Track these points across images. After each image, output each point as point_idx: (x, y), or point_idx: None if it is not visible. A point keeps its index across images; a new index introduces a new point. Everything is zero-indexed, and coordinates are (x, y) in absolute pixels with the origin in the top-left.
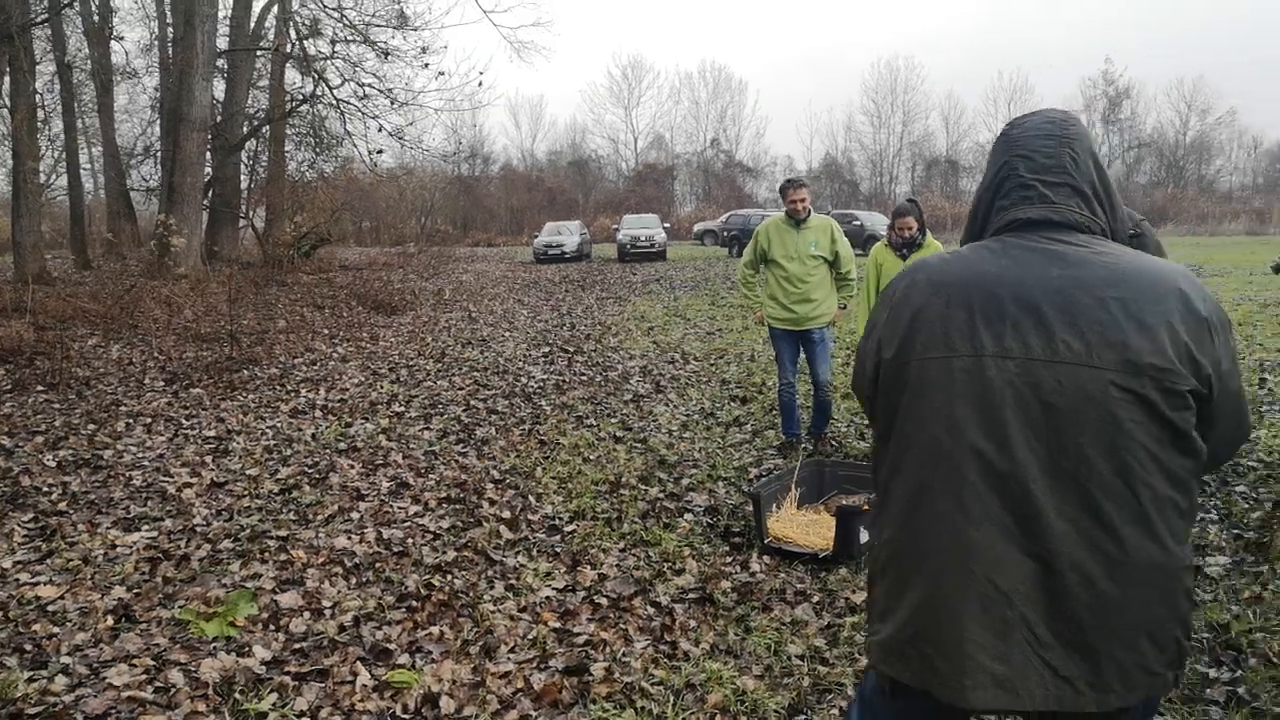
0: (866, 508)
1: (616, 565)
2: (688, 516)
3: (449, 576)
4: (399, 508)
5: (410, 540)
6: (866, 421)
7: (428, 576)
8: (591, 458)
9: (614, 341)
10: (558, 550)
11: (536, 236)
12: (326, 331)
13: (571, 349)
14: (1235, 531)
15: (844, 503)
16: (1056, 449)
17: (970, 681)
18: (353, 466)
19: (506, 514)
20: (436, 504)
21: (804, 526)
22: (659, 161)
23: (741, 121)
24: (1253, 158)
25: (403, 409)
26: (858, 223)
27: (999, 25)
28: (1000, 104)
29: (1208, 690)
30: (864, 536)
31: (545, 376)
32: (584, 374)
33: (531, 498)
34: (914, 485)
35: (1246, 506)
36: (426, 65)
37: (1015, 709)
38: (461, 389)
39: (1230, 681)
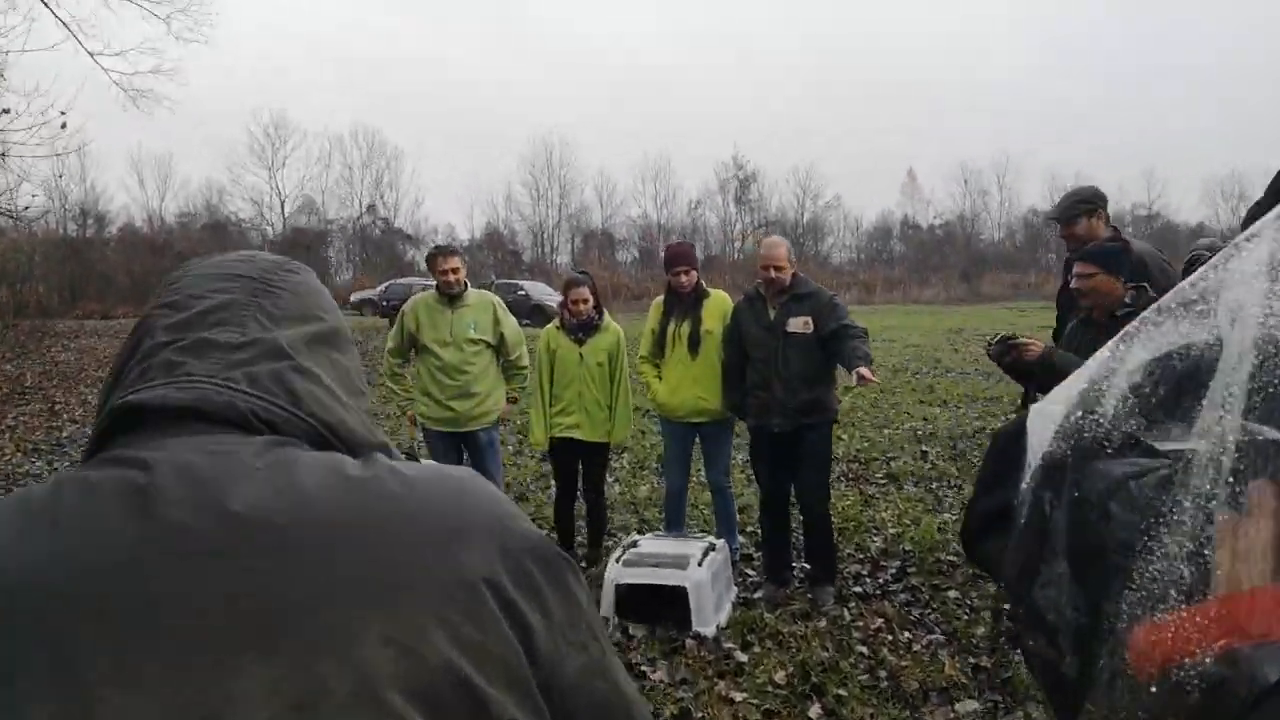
0: None
1: None
2: None
3: None
4: None
5: None
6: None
7: None
8: None
9: None
10: None
11: None
12: None
13: None
14: (969, 660)
15: None
16: None
17: None
18: None
19: None
20: None
21: None
22: (310, 227)
23: (400, 188)
24: (856, 236)
25: None
26: (522, 292)
27: (641, 115)
28: (647, 182)
29: None
30: None
31: None
32: None
33: None
34: None
35: (965, 620)
36: None
37: None
38: None
39: None
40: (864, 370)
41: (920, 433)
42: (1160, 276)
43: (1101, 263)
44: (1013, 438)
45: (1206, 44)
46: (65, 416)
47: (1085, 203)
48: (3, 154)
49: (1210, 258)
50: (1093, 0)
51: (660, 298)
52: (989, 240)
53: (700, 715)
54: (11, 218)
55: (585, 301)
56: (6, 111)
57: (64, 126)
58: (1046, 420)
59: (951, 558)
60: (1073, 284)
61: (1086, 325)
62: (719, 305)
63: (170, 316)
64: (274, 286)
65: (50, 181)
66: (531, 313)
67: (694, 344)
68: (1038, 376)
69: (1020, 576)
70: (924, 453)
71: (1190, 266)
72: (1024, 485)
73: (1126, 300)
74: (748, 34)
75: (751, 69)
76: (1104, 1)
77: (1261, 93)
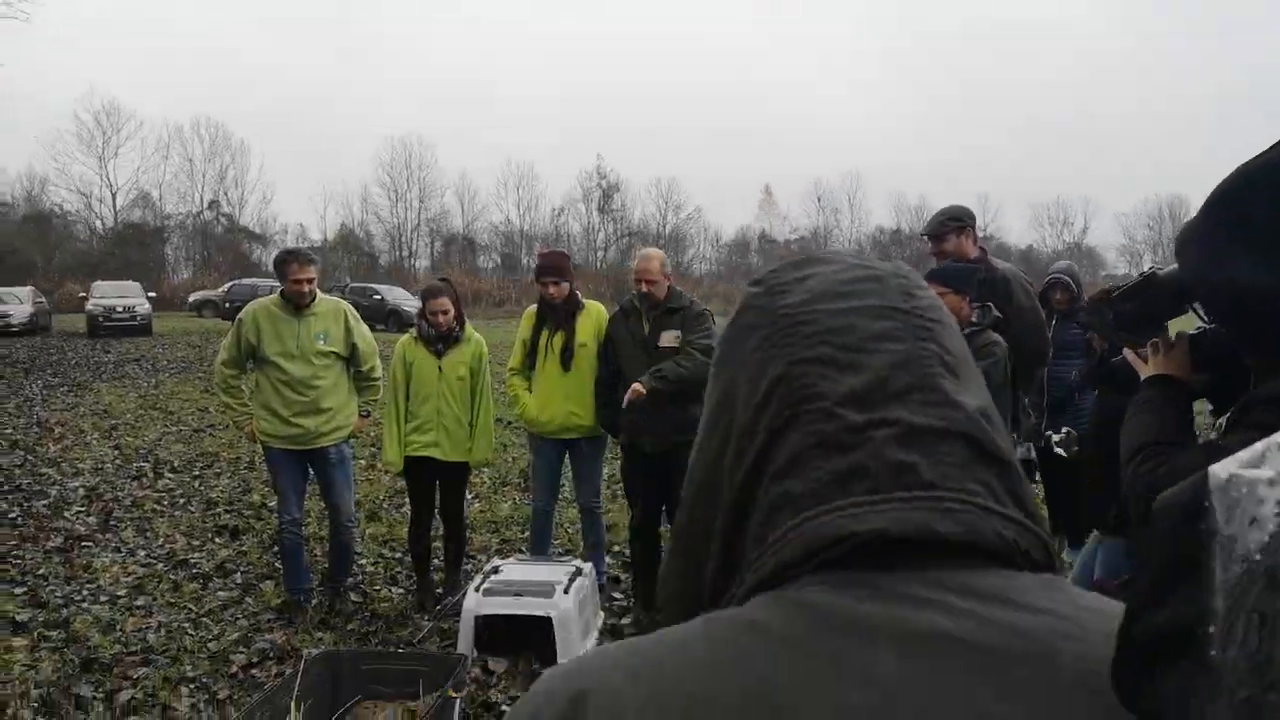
0: None
1: None
2: None
3: None
4: None
5: None
6: (398, 558)
7: None
8: None
9: (55, 450)
10: None
11: None
12: None
13: None
14: None
15: None
16: None
17: None
18: None
19: None
20: None
21: None
22: (145, 221)
23: (246, 184)
24: (715, 249)
25: None
26: (378, 297)
27: (504, 121)
28: (510, 188)
29: None
30: None
31: None
32: None
33: None
34: None
35: None
36: None
37: None
38: None
39: None
40: (638, 384)
41: None
42: (1023, 296)
43: (948, 282)
44: (1189, 518)
45: (1042, 71)
46: None
47: (955, 219)
48: None
49: (1069, 281)
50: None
51: (533, 307)
52: None
53: None
54: None
55: (446, 312)
56: None
57: None
58: (1250, 495)
59: None
60: None
61: None
62: (594, 318)
63: (837, 379)
64: (927, 316)
65: None
66: (388, 318)
67: (567, 357)
68: None
69: None
70: None
71: (1049, 289)
72: (1216, 596)
73: (974, 319)
74: (613, 43)
75: (616, 78)
76: (953, 22)
77: (1091, 123)
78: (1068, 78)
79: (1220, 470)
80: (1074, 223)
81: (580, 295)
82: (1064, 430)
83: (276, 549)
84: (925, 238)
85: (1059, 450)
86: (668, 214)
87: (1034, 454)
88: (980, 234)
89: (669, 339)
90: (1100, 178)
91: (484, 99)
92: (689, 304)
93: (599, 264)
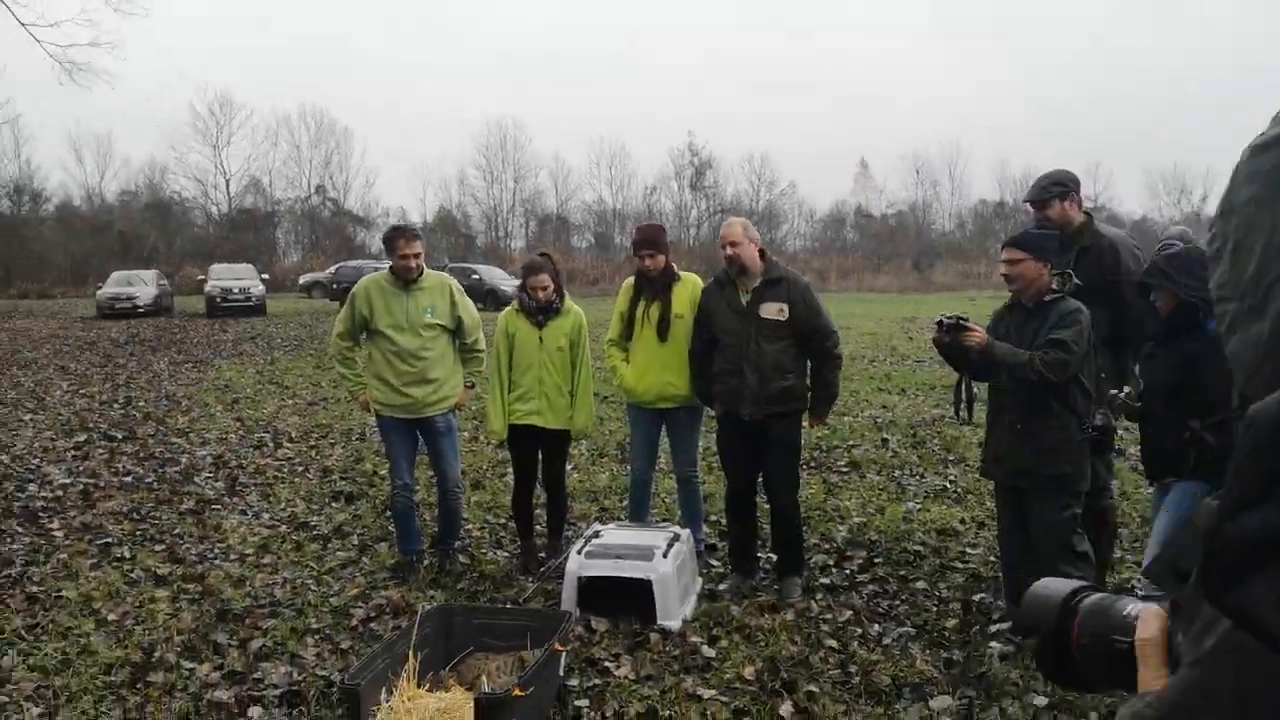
0: (518, 692)
1: None
2: (254, 715)
3: None
4: None
5: None
6: (502, 524)
7: None
8: (111, 619)
9: (183, 421)
10: None
11: (100, 287)
12: None
13: (119, 435)
14: (941, 653)
15: (486, 685)
16: None
17: None
18: None
19: None
20: None
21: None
22: (257, 207)
23: (350, 169)
24: (810, 224)
25: None
26: (476, 276)
27: (597, 99)
28: (603, 166)
29: None
30: None
31: (69, 480)
32: (130, 472)
33: None
34: None
35: (934, 611)
36: None
37: None
38: None
39: None
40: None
41: (880, 420)
42: (1132, 262)
43: (1028, 248)
44: None
45: (1152, 40)
46: None
47: (1058, 184)
48: None
49: (1182, 248)
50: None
51: (630, 280)
52: (940, 230)
53: (668, 714)
54: None
55: (545, 288)
56: None
57: None
58: None
59: (918, 547)
60: (1001, 270)
61: (1013, 310)
62: (690, 289)
63: None
64: None
65: None
66: (486, 297)
67: (663, 327)
68: (973, 365)
69: None
70: (885, 440)
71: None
72: None
73: (1054, 286)
74: (704, 24)
75: (707, 56)
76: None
77: (1204, 90)
78: (1179, 45)
79: None
80: (1192, 191)
81: (676, 268)
82: (1124, 390)
83: (389, 513)
84: (1028, 206)
85: (1116, 412)
86: (760, 190)
87: (1114, 419)
88: (1091, 203)
89: (771, 310)
90: (1218, 148)
91: (576, 81)
92: (790, 277)
93: (692, 241)
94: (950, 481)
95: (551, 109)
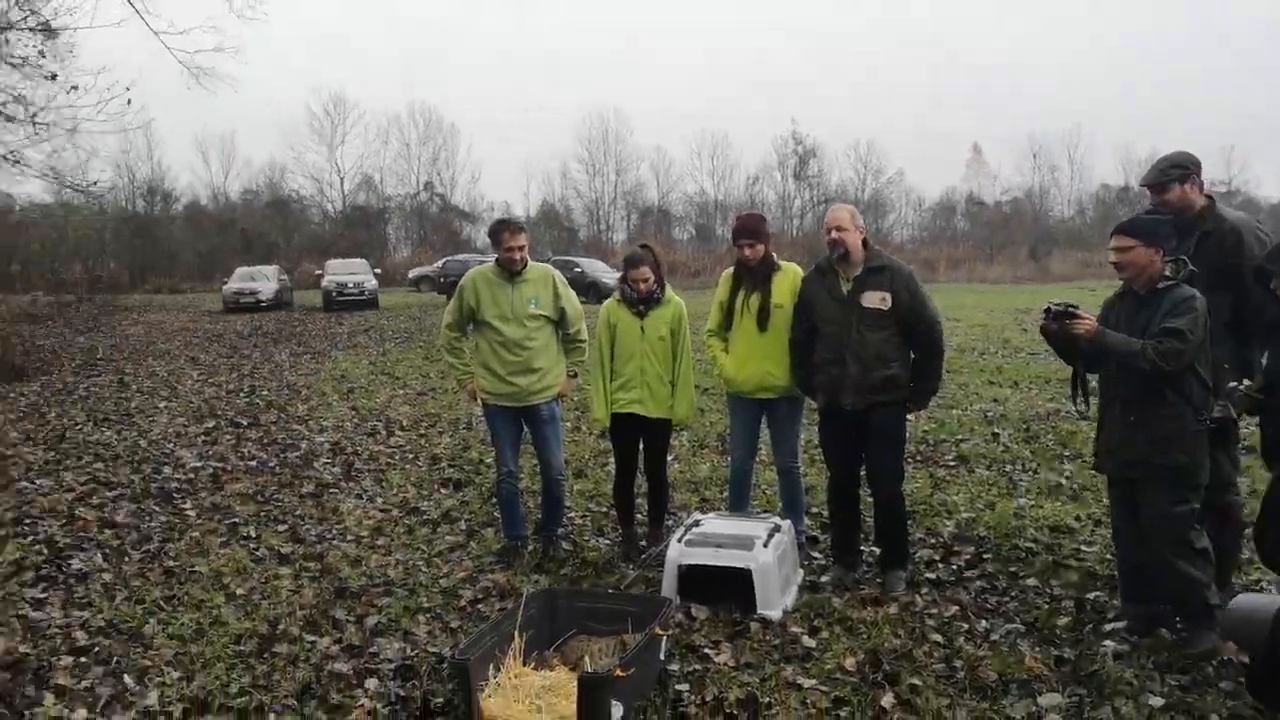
0: (620, 673)
1: None
2: (370, 687)
3: None
4: None
5: None
6: (603, 512)
7: None
8: (240, 593)
9: (303, 409)
10: None
11: (226, 283)
12: None
13: (245, 422)
14: (1051, 651)
15: (588, 665)
16: None
17: None
18: None
19: (75, 717)
20: None
21: (534, 697)
22: (369, 204)
23: (456, 165)
24: (919, 213)
25: None
26: (579, 269)
27: (697, 84)
28: (704, 157)
29: None
30: (617, 713)
31: (200, 464)
32: (255, 457)
33: (129, 678)
34: None
35: (1046, 609)
36: (53, 76)
37: None
38: (70, 491)
39: None
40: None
41: (990, 414)
42: (1256, 246)
43: (1138, 234)
44: None
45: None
46: (134, 388)
47: (1178, 167)
48: (73, 129)
49: None
50: None
51: (730, 270)
52: (1058, 217)
53: (767, 701)
54: (82, 192)
55: (646, 280)
56: (75, 88)
57: (129, 102)
58: None
59: (1029, 544)
60: (1110, 258)
61: (1124, 298)
62: (790, 279)
63: None
64: None
65: (118, 159)
66: (588, 290)
67: (763, 317)
68: (1085, 355)
69: None
70: (995, 435)
71: None
72: None
73: (1167, 273)
74: (803, 12)
75: (812, 43)
76: None
77: None
78: None
79: None
80: None
81: (776, 257)
82: (1244, 383)
83: (495, 500)
84: (1146, 189)
85: (1236, 406)
86: (866, 179)
87: (1234, 411)
88: (1225, 187)
89: (874, 299)
90: None
91: (678, 67)
92: (893, 265)
93: (795, 232)
94: (1066, 478)
95: (653, 99)
